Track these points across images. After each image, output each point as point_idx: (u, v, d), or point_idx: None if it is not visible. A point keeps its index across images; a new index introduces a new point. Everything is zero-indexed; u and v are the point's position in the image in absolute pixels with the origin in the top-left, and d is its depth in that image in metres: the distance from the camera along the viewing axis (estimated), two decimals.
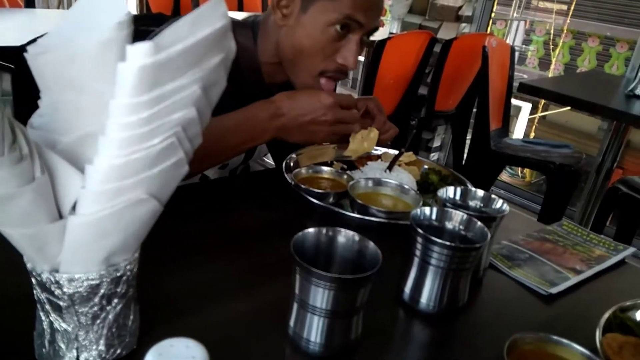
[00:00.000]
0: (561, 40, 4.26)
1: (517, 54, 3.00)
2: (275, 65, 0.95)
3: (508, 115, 2.45)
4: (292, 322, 0.53)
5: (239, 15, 1.01)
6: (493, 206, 0.70)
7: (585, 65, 4.17)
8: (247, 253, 0.70)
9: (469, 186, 0.80)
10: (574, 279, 0.72)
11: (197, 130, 0.43)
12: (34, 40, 0.40)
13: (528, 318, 0.65)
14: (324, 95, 0.87)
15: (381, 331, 0.59)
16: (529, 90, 2.12)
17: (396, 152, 0.97)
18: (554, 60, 4.30)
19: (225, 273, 0.65)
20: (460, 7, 2.94)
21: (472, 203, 0.72)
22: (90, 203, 0.40)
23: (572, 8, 4.24)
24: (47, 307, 0.44)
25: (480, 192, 0.72)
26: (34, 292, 0.45)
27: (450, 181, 0.96)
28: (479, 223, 0.62)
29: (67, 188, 0.40)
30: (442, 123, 3.16)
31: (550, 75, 4.30)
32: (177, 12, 3.23)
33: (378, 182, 0.86)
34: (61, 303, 0.43)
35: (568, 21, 4.25)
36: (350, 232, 0.55)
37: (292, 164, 0.93)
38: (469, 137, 2.79)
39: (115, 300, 0.45)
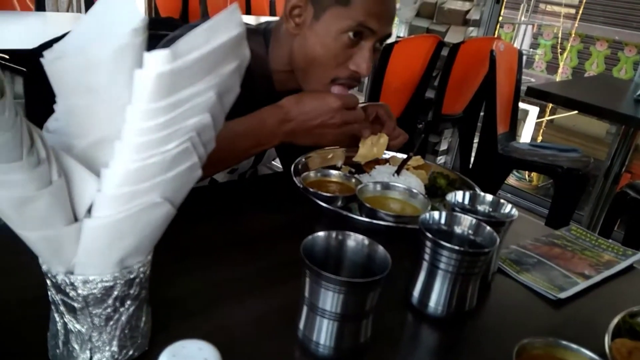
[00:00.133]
0: (569, 44, 4.24)
1: (524, 57, 2.99)
2: (287, 74, 0.95)
3: (515, 119, 2.45)
4: (301, 325, 0.54)
5: (248, 19, 1.01)
6: (502, 211, 0.70)
7: (593, 69, 4.15)
8: (256, 256, 0.71)
9: (477, 190, 0.80)
10: (583, 284, 0.72)
11: (211, 135, 0.43)
12: (46, 44, 0.41)
13: (537, 323, 0.65)
14: (331, 98, 0.87)
15: (390, 334, 0.59)
16: (537, 94, 2.11)
17: (404, 156, 0.97)
18: (561, 64, 4.28)
19: (235, 276, 0.66)
20: (467, 11, 2.95)
21: (480, 207, 0.72)
22: (106, 206, 0.41)
23: (580, 12, 4.22)
24: (62, 308, 0.45)
25: (489, 197, 0.72)
26: (49, 293, 0.45)
27: (458, 185, 0.96)
28: (488, 228, 0.62)
29: (83, 191, 0.41)
30: (450, 126, 3.16)
31: (558, 79, 4.28)
32: (185, 16, 3.25)
33: (386, 186, 0.86)
34: (75, 304, 0.44)
35: (576, 25, 4.23)
36: (360, 236, 0.56)
37: (300, 167, 0.94)
38: (476, 140, 2.79)
39: (128, 302, 0.46)
